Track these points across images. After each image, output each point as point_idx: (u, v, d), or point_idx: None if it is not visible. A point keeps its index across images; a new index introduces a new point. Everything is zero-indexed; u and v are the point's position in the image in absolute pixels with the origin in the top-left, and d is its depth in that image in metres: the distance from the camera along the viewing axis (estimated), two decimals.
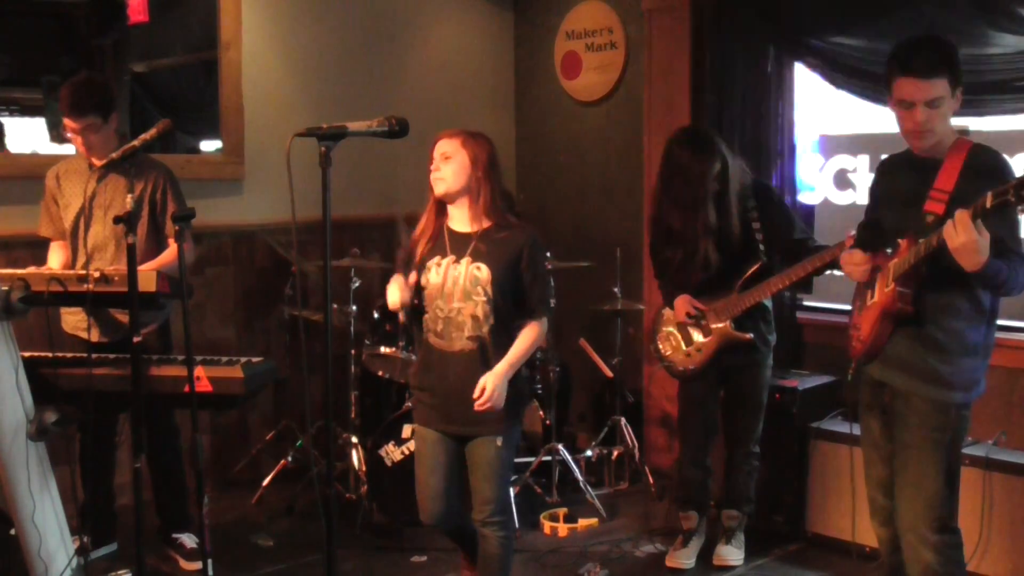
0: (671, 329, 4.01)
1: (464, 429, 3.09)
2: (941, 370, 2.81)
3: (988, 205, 2.47)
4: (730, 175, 3.74)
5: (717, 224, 3.73)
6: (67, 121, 3.70)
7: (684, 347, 3.95)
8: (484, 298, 3.01)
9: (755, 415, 3.96)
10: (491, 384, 2.95)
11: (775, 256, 3.87)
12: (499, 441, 3.05)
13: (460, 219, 3.10)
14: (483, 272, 3.01)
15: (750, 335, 3.85)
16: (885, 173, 3.06)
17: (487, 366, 3.02)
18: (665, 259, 3.91)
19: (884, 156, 3.14)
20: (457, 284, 3.03)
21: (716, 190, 3.72)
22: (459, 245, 3.06)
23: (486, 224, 3.06)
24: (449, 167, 3.02)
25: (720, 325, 3.86)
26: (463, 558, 3.49)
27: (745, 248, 3.83)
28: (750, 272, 3.83)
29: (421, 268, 3.10)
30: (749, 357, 3.90)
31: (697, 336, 3.92)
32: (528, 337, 3.05)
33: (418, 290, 3.10)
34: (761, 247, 3.83)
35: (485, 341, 3.03)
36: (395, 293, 3.06)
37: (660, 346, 4.07)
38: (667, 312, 4.04)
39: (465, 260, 3.03)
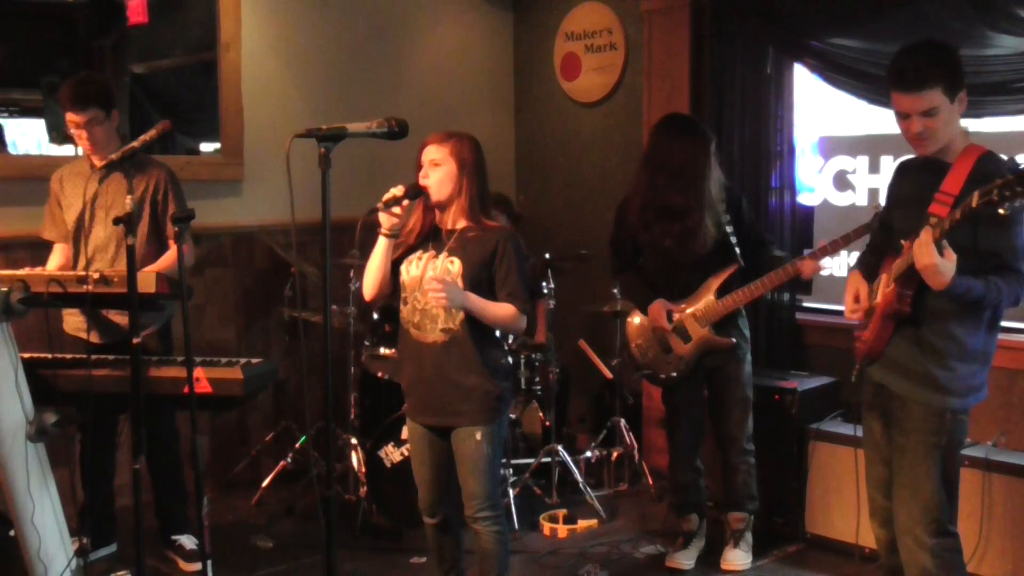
0: (648, 334, 3.97)
1: (443, 420, 3.13)
2: (938, 375, 2.81)
3: (975, 205, 2.47)
4: (712, 163, 3.77)
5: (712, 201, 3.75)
6: (70, 116, 3.69)
7: (664, 355, 3.93)
8: None
9: (744, 412, 3.95)
10: (451, 285, 2.97)
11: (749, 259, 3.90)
12: (478, 435, 3.07)
13: (444, 217, 3.15)
14: (455, 265, 3.06)
15: (732, 340, 3.86)
16: (900, 175, 3.06)
17: (461, 359, 3.06)
18: (650, 240, 3.83)
19: (902, 158, 3.12)
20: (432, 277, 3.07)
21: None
22: (440, 241, 3.13)
23: (465, 223, 3.11)
24: (437, 174, 3.06)
25: (701, 332, 3.85)
26: (433, 561, 3.41)
27: (720, 250, 3.84)
28: (727, 275, 3.83)
29: (403, 262, 3.16)
30: (730, 355, 3.89)
31: (676, 343, 3.89)
32: (505, 306, 3.07)
33: (397, 284, 3.16)
34: (736, 250, 3.83)
35: (457, 333, 3.07)
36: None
37: (636, 354, 4.04)
38: (640, 318, 4.01)
39: (442, 255, 3.09)
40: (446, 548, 3.32)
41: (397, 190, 3.02)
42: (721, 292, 3.82)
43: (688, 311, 3.86)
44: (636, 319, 4.04)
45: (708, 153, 3.74)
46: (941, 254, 2.56)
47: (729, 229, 3.82)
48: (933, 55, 2.74)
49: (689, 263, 3.83)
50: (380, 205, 3.01)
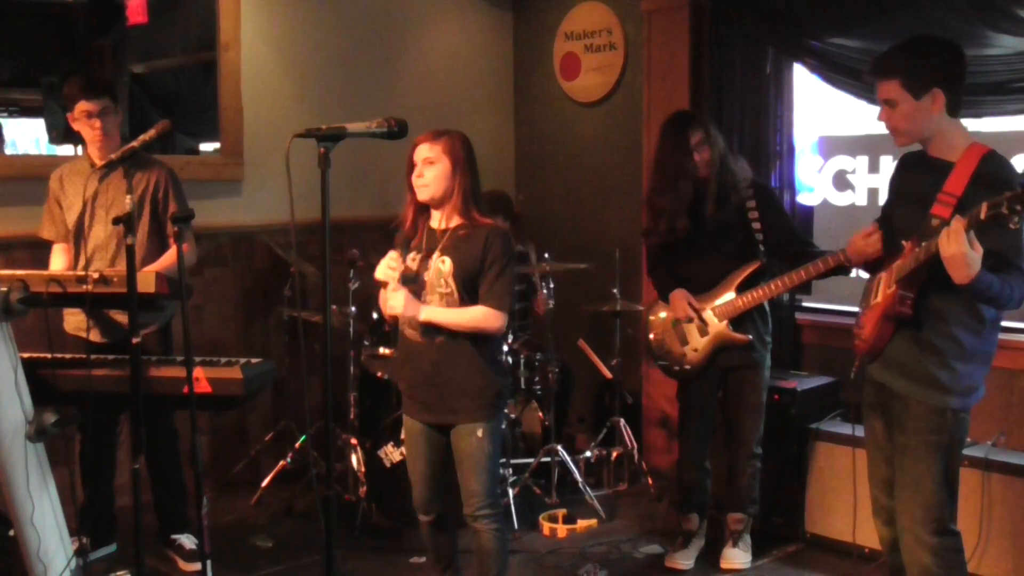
0: (666, 327, 4.00)
1: (442, 417, 3.14)
2: (938, 375, 2.80)
3: (983, 217, 2.47)
4: (715, 141, 3.82)
5: (703, 175, 3.81)
6: (83, 105, 3.68)
7: (680, 346, 3.95)
8: (447, 290, 3.07)
9: (756, 417, 3.95)
10: (407, 299, 2.99)
11: (773, 256, 3.89)
12: (479, 431, 3.08)
13: (437, 217, 3.16)
14: (446, 265, 3.07)
15: (748, 336, 3.85)
16: (902, 169, 3.05)
17: (458, 357, 3.07)
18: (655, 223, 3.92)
19: (905, 152, 3.09)
20: (427, 277, 3.09)
21: (706, 158, 3.79)
22: (433, 241, 3.13)
23: (458, 221, 3.11)
24: (432, 172, 3.06)
25: (718, 326, 3.86)
26: (430, 559, 3.44)
27: (744, 246, 3.85)
28: (749, 272, 3.84)
29: None
30: (748, 358, 3.89)
31: (694, 335, 3.91)
32: (473, 310, 3.06)
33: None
34: (761, 247, 3.84)
35: (453, 333, 3.07)
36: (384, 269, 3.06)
37: (654, 344, 4.07)
38: (662, 308, 4.04)
39: (435, 255, 3.09)
40: (442, 545, 3.34)
41: (392, 285, 3.02)
42: (743, 288, 3.83)
43: (707, 305, 3.87)
44: (662, 313, 4.05)
45: (683, 134, 3.78)
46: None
47: (756, 226, 3.83)
48: (904, 48, 2.76)
49: (715, 258, 3.86)
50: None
